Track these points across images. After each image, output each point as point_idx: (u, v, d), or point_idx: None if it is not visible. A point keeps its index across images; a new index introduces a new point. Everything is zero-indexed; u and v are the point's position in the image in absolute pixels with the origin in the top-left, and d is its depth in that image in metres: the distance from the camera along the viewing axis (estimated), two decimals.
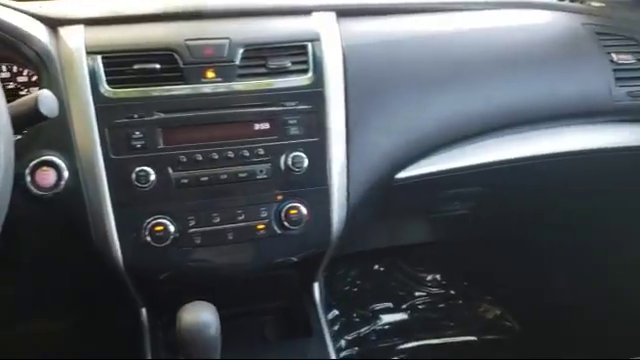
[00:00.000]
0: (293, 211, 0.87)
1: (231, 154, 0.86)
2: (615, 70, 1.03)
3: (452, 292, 1.66)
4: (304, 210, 0.88)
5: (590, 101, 1.01)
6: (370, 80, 0.94)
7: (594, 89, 1.02)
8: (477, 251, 1.64)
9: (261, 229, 0.87)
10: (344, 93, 0.92)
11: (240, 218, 0.87)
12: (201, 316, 0.75)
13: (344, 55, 0.93)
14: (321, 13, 0.98)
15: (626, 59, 1.04)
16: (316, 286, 1.08)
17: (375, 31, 1.00)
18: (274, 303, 1.13)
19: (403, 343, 1.53)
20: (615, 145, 1.04)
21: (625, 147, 1.04)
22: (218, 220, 0.86)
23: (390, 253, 1.65)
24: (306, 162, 0.87)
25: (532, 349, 1.46)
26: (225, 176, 0.85)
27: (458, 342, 1.54)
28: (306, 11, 0.98)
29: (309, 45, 0.91)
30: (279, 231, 0.88)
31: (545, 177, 1.08)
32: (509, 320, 1.58)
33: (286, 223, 0.87)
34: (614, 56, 1.04)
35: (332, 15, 0.99)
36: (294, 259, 0.93)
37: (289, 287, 1.08)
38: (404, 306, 1.62)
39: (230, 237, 0.86)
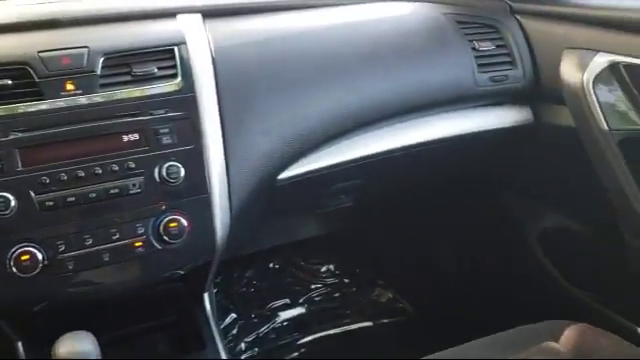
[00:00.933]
0: (173, 224, 0.83)
1: (99, 170, 0.80)
2: (477, 57, 1.07)
3: (346, 280, 1.70)
4: (184, 221, 0.84)
5: (456, 88, 1.05)
6: (242, 81, 0.92)
7: (459, 77, 1.06)
8: (366, 238, 1.69)
9: (139, 246, 0.83)
10: (217, 96, 0.89)
11: (115, 237, 0.81)
12: (78, 346, 0.70)
13: (213, 57, 0.91)
14: (186, 15, 0.95)
15: (486, 46, 1.09)
16: (206, 296, 1.05)
17: (244, 31, 0.99)
18: (164, 319, 1.09)
19: (303, 337, 1.54)
20: (481, 128, 1.10)
21: (489, 129, 1.10)
22: (91, 242, 0.80)
23: (283, 250, 1.65)
24: (182, 171, 0.84)
25: (425, 328, 1.53)
26: (94, 194, 0.80)
27: (355, 329, 1.57)
28: (170, 14, 0.94)
29: (175, 49, 0.88)
30: (159, 246, 0.84)
31: (420, 164, 1.12)
32: (401, 302, 1.64)
33: (166, 237, 0.83)
34: (475, 44, 1.08)
35: (198, 17, 0.96)
36: (180, 272, 0.90)
37: (178, 301, 1.05)
38: (301, 300, 1.63)
39: (106, 258, 0.81)
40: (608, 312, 1.14)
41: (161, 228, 0.83)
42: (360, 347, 1.52)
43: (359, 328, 1.58)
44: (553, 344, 0.85)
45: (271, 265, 1.69)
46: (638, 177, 0.93)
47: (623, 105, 0.94)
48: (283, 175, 0.96)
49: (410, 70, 1.04)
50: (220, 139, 0.88)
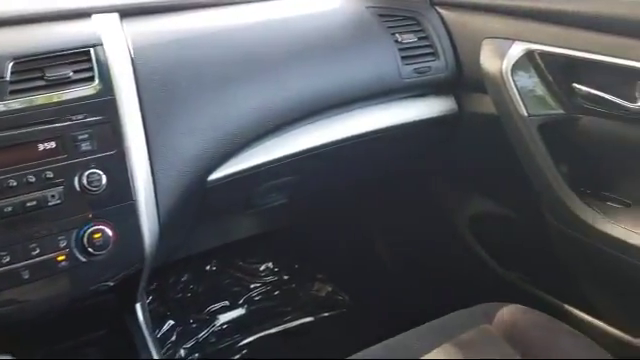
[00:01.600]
0: (97, 235, 0.79)
1: (13, 182, 0.75)
2: (400, 50, 1.08)
3: (285, 277, 1.69)
4: (109, 231, 0.80)
5: (382, 82, 1.06)
6: (164, 81, 0.89)
7: (384, 70, 1.06)
8: (302, 233, 1.68)
9: (62, 260, 0.78)
10: (138, 98, 0.86)
11: (35, 253, 0.77)
12: None
13: (132, 58, 0.87)
14: (102, 15, 0.91)
15: (409, 38, 1.10)
16: (138, 307, 1.01)
17: (164, 30, 0.95)
18: (96, 333, 1.04)
19: (244, 339, 1.52)
20: (407, 120, 1.11)
21: (416, 120, 1.12)
22: (8, 259, 0.75)
23: (220, 251, 1.63)
24: (104, 179, 0.80)
25: (365, 319, 1.54)
26: (10, 208, 0.75)
27: (296, 326, 1.57)
28: (85, 14, 0.90)
29: (91, 51, 0.84)
30: (84, 259, 0.80)
31: (351, 158, 1.12)
32: (340, 295, 1.65)
33: (91, 249, 0.79)
34: (398, 36, 1.09)
35: (115, 17, 0.92)
36: (109, 284, 0.86)
37: (109, 313, 1.01)
38: (241, 301, 1.61)
39: (26, 276, 0.76)
40: (537, 291, 1.19)
41: (85, 240, 0.79)
42: (302, 343, 1.52)
43: (300, 324, 1.58)
44: (487, 326, 0.87)
45: (208, 268, 1.66)
46: (557, 160, 0.97)
47: (540, 91, 0.97)
48: (213, 176, 0.94)
49: (336, 65, 1.03)
50: (143, 143, 0.85)
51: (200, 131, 0.90)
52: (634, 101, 0.83)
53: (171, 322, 1.53)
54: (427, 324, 0.90)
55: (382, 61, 1.07)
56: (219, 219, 1.23)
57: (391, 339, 0.87)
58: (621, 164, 0.94)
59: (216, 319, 1.56)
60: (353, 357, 0.83)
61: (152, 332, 1.02)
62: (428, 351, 0.83)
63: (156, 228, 0.86)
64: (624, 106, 0.85)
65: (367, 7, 1.13)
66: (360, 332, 1.44)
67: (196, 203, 0.96)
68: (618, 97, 0.85)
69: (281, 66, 0.98)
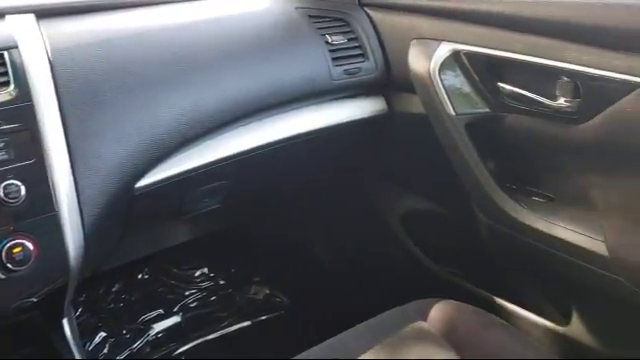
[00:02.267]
0: (17, 249, 0.75)
1: None
2: (331, 51, 1.08)
3: (221, 282, 1.66)
4: (30, 245, 0.76)
5: (313, 83, 1.06)
6: (86, 85, 0.85)
7: (315, 71, 1.06)
8: (238, 236, 1.66)
9: None
10: (58, 103, 0.82)
11: None
12: None
13: (51, 61, 0.83)
14: (17, 16, 0.87)
15: (339, 39, 1.10)
16: (65, 321, 0.97)
17: (84, 31, 0.91)
18: (22, 351, 0.99)
19: (180, 347, 1.48)
20: (339, 121, 1.11)
21: (347, 121, 1.12)
22: None
23: (152, 259, 1.58)
24: (23, 190, 0.75)
25: (303, 320, 1.54)
26: None
27: (234, 331, 1.54)
28: None
29: (5, 54, 0.80)
30: (3, 275, 0.75)
31: (284, 160, 1.12)
32: (278, 297, 1.64)
33: (10, 265, 0.75)
34: (328, 37, 1.09)
35: (31, 17, 0.88)
36: (32, 300, 0.81)
37: (34, 330, 0.96)
38: (176, 309, 1.57)
39: None
40: (469, 286, 1.22)
41: (3, 255, 0.75)
42: (240, 348, 1.50)
43: (238, 329, 1.55)
44: (422, 323, 0.89)
45: (140, 276, 1.61)
46: (485, 158, 1.00)
47: (467, 90, 1.00)
48: (141, 183, 0.91)
49: (267, 66, 1.02)
50: (65, 150, 0.81)
51: (126, 137, 0.87)
52: (555, 99, 0.87)
53: (103, 334, 1.47)
54: (364, 323, 0.90)
55: (313, 62, 1.06)
56: (150, 226, 1.19)
57: (329, 340, 0.87)
58: (544, 160, 0.98)
59: (151, 328, 1.51)
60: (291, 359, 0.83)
61: (81, 347, 0.98)
62: (365, 351, 0.83)
63: (81, 240, 0.82)
64: (545, 104, 0.88)
65: (296, 8, 1.12)
66: (299, 334, 1.43)
67: (123, 212, 0.93)
68: (540, 95, 0.88)
69: (210, 67, 0.96)
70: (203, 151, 0.97)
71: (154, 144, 0.89)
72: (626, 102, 0.75)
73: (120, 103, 0.87)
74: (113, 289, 1.56)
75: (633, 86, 0.74)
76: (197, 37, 1.00)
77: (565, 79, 0.84)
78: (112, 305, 1.54)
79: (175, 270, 1.65)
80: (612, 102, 0.77)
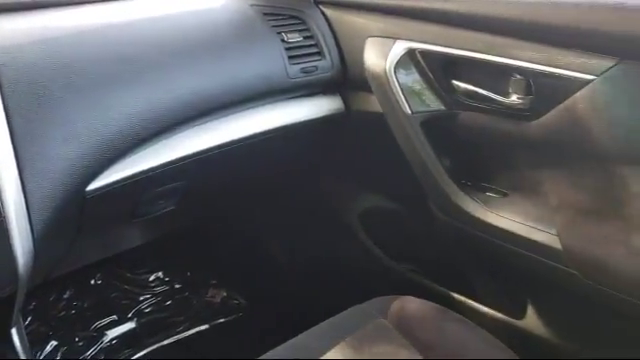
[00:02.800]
0: None
1: None
2: (287, 49, 1.07)
3: (177, 286, 1.63)
4: None
5: (269, 81, 1.05)
6: (33, 84, 0.81)
7: (271, 69, 1.05)
8: (194, 239, 1.63)
9: None
10: (2, 104, 0.78)
11: None
12: None
13: None
14: None
15: (294, 37, 1.09)
16: (14, 331, 0.93)
17: (29, 29, 0.88)
18: None
19: (135, 353, 1.45)
20: (295, 120, 1.11)
21: (303, 120, 1.12)
22: None
23: (105, 264, 1.54)
24: None
25: (262, 322, 1.52)
26: None
27: (191, 335, 1.52)
28: None
29: None
30: None
31: (239, 160, 1.10)
32: (236, 299, 1.62)
33: None
34: (284, 35, 1.08)
35: None
36: None
37: None
38: (130, 315, 1.53)
39: None
40: (427, 283, 1.24)
41: None
42: (197, 352, 1.48)
43: (195, 333, 1.53)
44: (381, 320, 0.89)
45: (92, 282, 1.56)
46: (440, 156, 1.01)
47: (422, 89, 1.01)
48: (92, 186, 0.88)
49: (222, 65, 1.00)
50: (11, 152, 0.77)
51: (75, 138, 0.83)
52: (508, 96, 0.88)
53: (54, 342, 1.42)
54: (325, 322, 0.90)
55: (269, 61, 1.05)
56: (103, 230, 1.15)
57: (290, 341, 0.86)
58: (498, 156, 1.00)
59: (104, 335, 1.47)
60: None
61: (31, 357, 0.94)
62: (327, 350, 0.83)
63: (30, 246, 0.79)
64: (499, 101, 0.89)
65: (251, 5, 1.11)
66: (258, 336, 1.42)
67: (74, 215, 0.89)
68: (494, 93, 0.90)
69: (162, 66, 0.94)
70: (159, 151, 0.94)
71: (105, 145, 0.86)
72: (577, 99, 0.77)
73: (68, 102, 0.84)
74: (64, 296, 1.51)
75: (583, 83, 0.76)
76: (148, 35, 0.97)
77: (518, 77, 0.86)
78: (63, 312, 1.50)
79: (129, 274, 1.61)
80: (563, 99, 0.79)
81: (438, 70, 0.97)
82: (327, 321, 0.90)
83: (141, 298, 1.57)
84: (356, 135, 1.19)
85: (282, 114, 1.10)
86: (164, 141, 0.95)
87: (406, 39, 0.98)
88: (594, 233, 0.83)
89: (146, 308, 1.56)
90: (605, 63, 0.74)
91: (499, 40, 0.86)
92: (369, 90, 1.05)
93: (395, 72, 0.99)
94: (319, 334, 0.88)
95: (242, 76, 1.02)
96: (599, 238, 0.83)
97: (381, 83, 1.01)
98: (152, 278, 1.62)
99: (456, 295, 1.18)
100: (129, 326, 1.51)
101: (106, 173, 0.89)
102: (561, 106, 0.80)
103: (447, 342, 0.86)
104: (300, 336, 0.87)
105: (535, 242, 0.91)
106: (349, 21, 1.10)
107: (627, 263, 0.81)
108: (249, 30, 1.07)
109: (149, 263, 1.64)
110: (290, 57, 1.07)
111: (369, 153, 1.20)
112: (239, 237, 1.63)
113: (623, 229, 0.80)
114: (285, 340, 0.86)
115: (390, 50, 0.99)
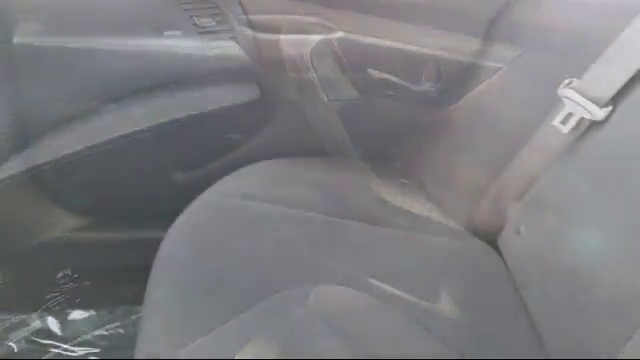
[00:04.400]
0: None
1: None
2: (200, 34, 1.04)
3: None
4: None
5: (184, 67, 1.02)
6: None
7: (185, 54, 1.02)
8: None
9: None
10: None
11: None
12: None
13: None
14: None
15: (207, 22, 1.06)
16: None
17: None
18: None
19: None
20: (210, 107, 1.08)
21: (218, 108, 1.09)
22: None
23: None
24: None
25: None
26: None
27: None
28: None
29: None
30: None
31: (150, 149, 1.06)
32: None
33: None
34: (196, 20, 1.05)
35: None
36: None
37: None
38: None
39: None
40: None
41: None
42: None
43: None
44: (304, 309, 0.88)
45: None
46: (356, 142, 1.02)
47: (338, 76, 1.01)
48: None
49: (133, 49, 0.96)
50: None
51: None
52: (420, 84, 0.90)
53: None
54: (247, 313, 0.88)
55: (182, 46, 1.02)
56: None
57: (212, 332, 0.84)
58: (413, 142, 1.02)
59: None
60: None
61: None
62: (249, 342, 0.81)
63: None
64: (410, 88, 0.91)
65: None
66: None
67: None
68: (407, 81, 0.92)
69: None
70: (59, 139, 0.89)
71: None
72: (486, 85, 0.80)
73: None
74: None
75: (493, 70, 0.79)
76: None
77: (429, 65, 0.88)
78: None
79: None
80: (474, 86, 0.82)
81: (354, 58, 0.97)
82: (249, 311, 0.88)
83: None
84: (272, 122, 1.18)
85: (195, 100, 1.06)
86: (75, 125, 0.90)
87: (323, 27, 0.98)
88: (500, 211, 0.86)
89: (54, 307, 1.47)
90: (512, 53, 0.77)
91: (414, 28, 0.87)
92: (285, 77, 1.04)
93: (312, 60, 0.98)
94: (242, 325, 0.86)
95: (156, 60, 0.98)
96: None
97: (298, 70, 1.00)
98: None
99: (374, 281, 1.19)
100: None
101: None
102: (471, 93, 0.83)
103: (371, 330, 0.86)
104: (222, 328, 0.85)
105: (444, 225, 0.93)
106: (265, 7, 1.08)
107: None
108: (159, 15, 1.03)
109: None
110: (203, 42, 1.04)
111: (286, 140, 1.19)
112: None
113: (522, 207, 0.83)
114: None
115: (307, 37, 0.98)
